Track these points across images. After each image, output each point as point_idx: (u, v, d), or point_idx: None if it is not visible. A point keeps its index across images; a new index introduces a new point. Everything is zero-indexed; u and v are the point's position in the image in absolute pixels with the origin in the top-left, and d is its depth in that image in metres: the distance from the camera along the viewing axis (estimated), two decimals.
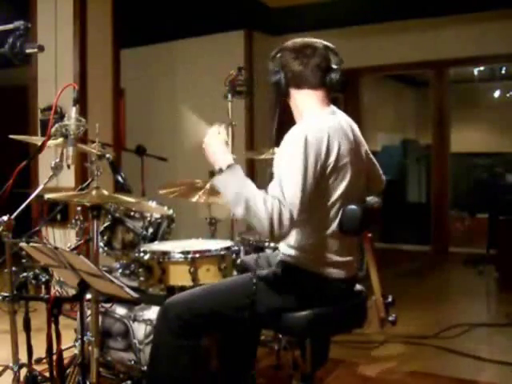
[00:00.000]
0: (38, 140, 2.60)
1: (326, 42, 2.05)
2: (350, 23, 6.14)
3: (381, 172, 2.27)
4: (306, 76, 1.99)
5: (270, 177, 1.86)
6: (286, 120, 2.12)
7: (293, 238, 1.97)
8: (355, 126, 2.09)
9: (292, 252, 1.98)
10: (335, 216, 1.93)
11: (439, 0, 5.50)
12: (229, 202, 1.80)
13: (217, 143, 1.92)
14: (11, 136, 2.57)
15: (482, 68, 8.31)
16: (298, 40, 2.04)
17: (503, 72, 8.55)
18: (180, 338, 1.96)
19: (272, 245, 2.75)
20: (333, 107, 2.06)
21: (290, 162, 1.81)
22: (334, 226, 1.94)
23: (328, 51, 2.01)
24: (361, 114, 6.95)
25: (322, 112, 2.00)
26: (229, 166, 1.83)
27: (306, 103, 2.02)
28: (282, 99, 2.08)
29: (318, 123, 1.91)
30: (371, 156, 2.21)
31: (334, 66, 2.01)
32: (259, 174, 5.92)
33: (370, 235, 2.21)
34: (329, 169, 1.87)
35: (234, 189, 1.78)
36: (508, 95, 9.53)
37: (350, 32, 6.26)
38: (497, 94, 9.58)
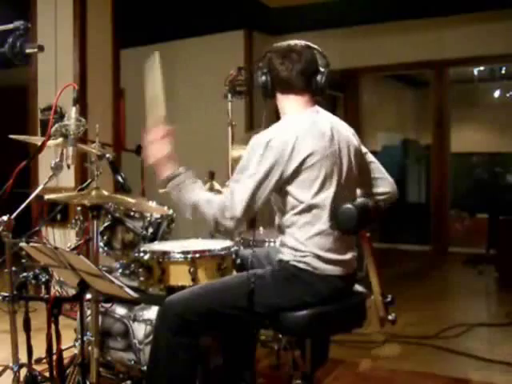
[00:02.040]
0: (37, 140, 2.59)
1: (313, 45, 2.06)
2: (350, 23, 6.14)
3: (381, 181, 2.22)
4: (291, 82, 2.03)
5: None
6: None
7: (288, 236, 2.00)
8: (342, 126, 2.10)
9: (288, 251, 2.00)
10: (327, 214, 1.95)
11: (440, 0, 5.50)
12: (179, 207, 1.98)
13: (157, 151, 2.00)
14: (11, 136, 2.57)
15: (482, 68, 8.31)
16: (285, 43, 2.06)
17: (503, 72, 8.55)
18: (179, 337, 1.96)
19: (272, 244, 2.74)
20: (317, 108, 2.08)
21: (246, 165, 1.92)
22: (327, 224, 1.95)
23: (315, 54, 2.04)
24: (361, 114, 6.95)
25: (301, 114, 2.03)
26: (172, 176, 1.96)
27: (289, 107, 2.06)
28: (269, 99, 2.12)
29: (286, 126, 1.97)
30: (370, 160, 2.21)
31: (321, 69, 2.04)
32: None
33: (368, 235, 2.21)
34: (297, 169, 1.91)
35: (183, 196, 1.95)
36: (508, 95, 9.53)
37: (350, 32, 6.26)
38: (497, 94, 9.58)
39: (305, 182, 1.93)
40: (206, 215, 1.90)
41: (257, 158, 1.90)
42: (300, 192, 1.93)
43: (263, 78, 2.07)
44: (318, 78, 2.03)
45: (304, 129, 1.95)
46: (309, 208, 1.94)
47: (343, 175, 2.00)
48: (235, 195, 1.89)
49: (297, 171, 1.91)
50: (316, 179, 1.93)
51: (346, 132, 2.09)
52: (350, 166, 2.05)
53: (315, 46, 2.06)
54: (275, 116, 2.12)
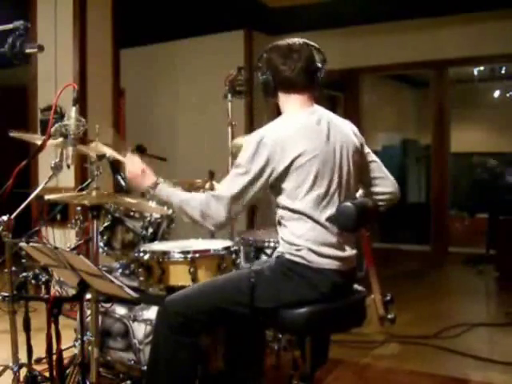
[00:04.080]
0: (37, 139, 2.59)
1: (309, 42, 2.08)
2: (350, 23, 6.14)
3: (383, 180, 2.20)
4: (293, 81, 2.05)
5: None
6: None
7: (284, 230, 2.01)
8: (342, 125, 2.11)
9: (284, 244, 2.01)
10: (323, 211, 1.96)
11: (439, 0, 5.50)
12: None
13: (138, 169, 2.11)
14: (12, 134, 2.56)
15: (481, 68, 8.30)
16: (283, 42, 2.08)
17: (503, 72, 8.54)
18: (180, 335, 1.97)
19: (272, 244, 2.74)
20: (315, 107, 2.09)
21: (240, 162, 1.96)
22: (322, 219, 1.96)
23: (312, 51, 2.06)
24: (361, 114, 6.94)
25: (298, 113, 2.04)
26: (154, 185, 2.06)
27: (289, 106, 2.09)
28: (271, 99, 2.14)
29: (280, 124, 2.00)
30: (371, 159, 2.20)
31: (319, 65, 2.06)
32: None
33: (367, 234, 2.21)
34: (287, 168, 1.93)
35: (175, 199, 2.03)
36: (508, 95, 9.52)
37: (350, 32, 6.26)
38: (497, 93, 9.57)
39: (297, 180, 1.94)
40: (193, 211, 1.96)
41: (249, 155, 1.93)
42: (292, 189, 1.95)
43: (265, 78, 2.09)
44: (318, 74, 2.06)
45: (297, 128, 1.97)
46: (302, 205, 1.95)
47: (341, 174, 2.01)
48: (225, 191, 1.94)
49: (287, 170, 1.93)
50: (307, 178, 1.94)
51: (345, 131, 2.09)
52: (348, 165, 2.05)
53: (312, 43, 2.08)
54: (277, 116, 2.13)
